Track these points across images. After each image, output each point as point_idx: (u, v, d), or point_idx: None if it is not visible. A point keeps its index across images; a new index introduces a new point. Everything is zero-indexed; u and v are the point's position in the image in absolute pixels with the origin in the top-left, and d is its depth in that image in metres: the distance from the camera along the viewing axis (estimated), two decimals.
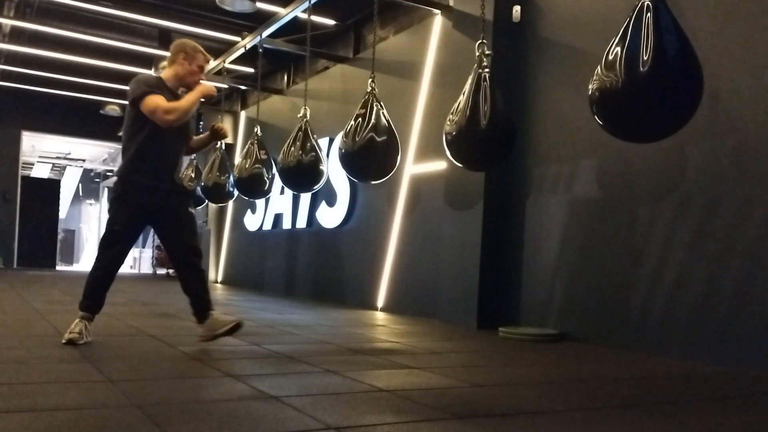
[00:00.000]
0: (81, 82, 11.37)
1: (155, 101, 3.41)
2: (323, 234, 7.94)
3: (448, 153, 4.10)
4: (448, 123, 4.02)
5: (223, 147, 7.37)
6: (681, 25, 2.78)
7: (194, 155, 8.40)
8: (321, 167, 5.26)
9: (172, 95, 3.60)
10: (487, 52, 3.98)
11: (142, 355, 3.32)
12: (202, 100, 3.67)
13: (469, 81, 3.99)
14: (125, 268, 20.28)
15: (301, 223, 8.41)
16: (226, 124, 10.63)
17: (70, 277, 12.22)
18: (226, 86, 9.45)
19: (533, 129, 5.06)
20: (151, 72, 9.76)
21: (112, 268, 3.62)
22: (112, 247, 3.59)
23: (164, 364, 3.11)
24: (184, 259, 3.69)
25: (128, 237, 3.66)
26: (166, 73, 3.68)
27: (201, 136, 4.10)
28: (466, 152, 4.08)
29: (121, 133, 3.64)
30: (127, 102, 3.58)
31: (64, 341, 3.46)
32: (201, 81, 3.71)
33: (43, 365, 2.92)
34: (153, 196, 3.59)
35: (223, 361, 3.24)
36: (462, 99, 3.98)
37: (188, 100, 3.53)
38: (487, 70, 3.97)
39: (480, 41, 4.00)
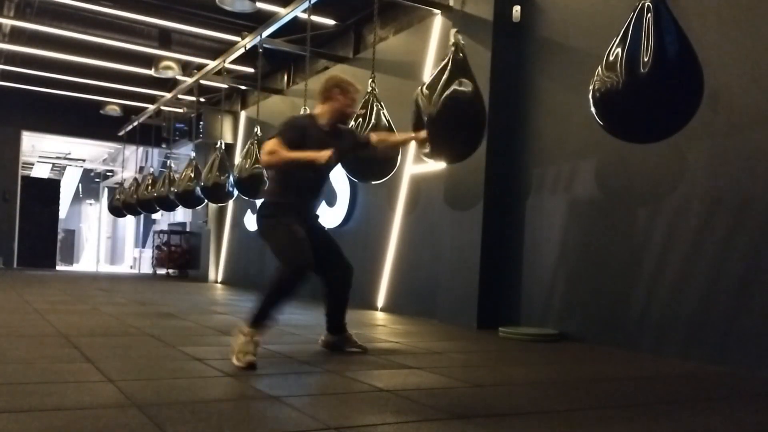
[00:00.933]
0: (81, 82, 11.36)
1: (272, 142, 3.42)
2: None
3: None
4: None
5: (223, 147, 7.37)
6: (681, 26, 2.78)
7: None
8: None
9: (321, 132, 3.59)
10: (462, 42, 4.02)
11: (142, 355, 3.32)
12: (306, 160, 3.47)
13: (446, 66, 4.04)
14: (125, 268, 20.36)
15: None
16: (226, 124, 10.64)
17: (70, 277, 12.22)
18: (226, 86, 9.45)
19: (533, 129, 5.06)
20: (178, 73, 9.74)
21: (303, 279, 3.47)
22: (305, 249, 3.45)
23: (164, 364, 3.11)
24: (339, 274, 3.75)
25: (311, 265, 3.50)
26: (318, 109, 3.71)
27: (399, 136, 4.11)
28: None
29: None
30: None
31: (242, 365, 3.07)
32: (353, 112, 3.85)
33: (43, 365, 2.92)
34: (303, 215, 3.62)
35: (223, 361, 3.23)
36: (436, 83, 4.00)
37: (292, 156, 3.39)
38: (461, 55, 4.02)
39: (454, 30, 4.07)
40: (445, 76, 4.06)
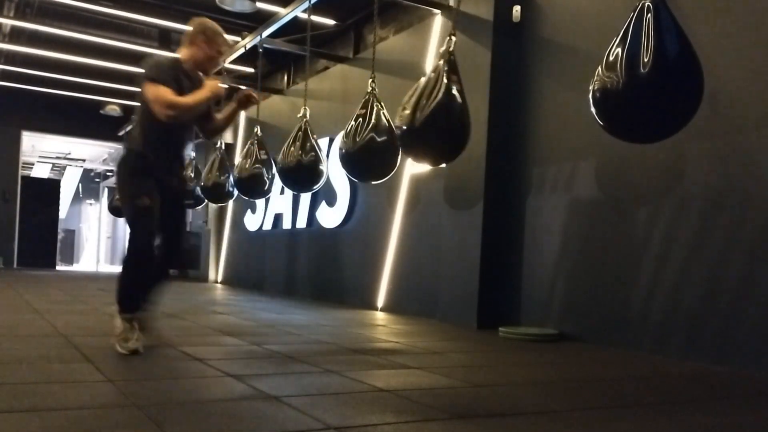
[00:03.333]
0: (81, 82, 11.36)
1: (158, 91, 3.18)
2: (323, 234, 7.94)
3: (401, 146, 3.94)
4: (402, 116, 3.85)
5: (223, 147, 7.37)
6: (681, 26, 2.78)
7: (193, 155, 8.42)
8: (321, 167, 5.26)
9: (187, 78, 3.40)
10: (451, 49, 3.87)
11: (142, 355, 3.32)
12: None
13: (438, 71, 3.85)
14: None
15: (301, 223, 8.41)
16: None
17: (70, 277, 12.22)
18: (226, 86, 9.44)
19: (533, 129, 5.06)
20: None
21: (151, 253, 3.28)
22: (149, 225, 3.25)
23: (164, 364, 3.11)
24: (162, 258, 3.50)
25: (156, 210, 3.30)
26: (183, 53, 3.46)
27: (226, 110, 3.76)
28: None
29: (128, 128, 3.53)
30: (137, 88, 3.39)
31: (125, 352, 3.13)
32: (212, 67, 3.51)
33: (43, 365, 2.92)
34: (170, 177, 3.38)
35: (223, 361, 3.24)
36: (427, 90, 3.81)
37: (195, 98, 3.30)
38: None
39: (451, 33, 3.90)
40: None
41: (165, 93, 3.19)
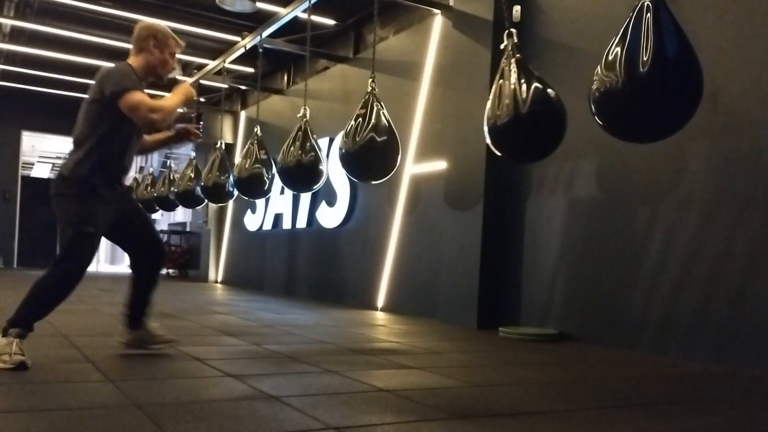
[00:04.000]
0: (81, 82, 11.35)
1: (140, 98, 3.03)
2: (323, 234, 7.94)
3: (492, 143, 3.81)
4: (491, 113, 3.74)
5: (223, 147, 7.37)
6: (681, 25, 2.78)
7: (194, 154, 8.42)
8: (321, 167, 5.26)
9: (142, 87, 3.21)
10: (515, 41, 3.83)
11: (142, 355, 3.32)
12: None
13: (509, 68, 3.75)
14: (125, 268, 20.30)
15: (301, 223, 8.41)
16: (226, 124, 10.64)
17: None
18: (226, 86, 9.45)
19: None
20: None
21: (79, 278, 3.09)
22: (84, 254, 3.09)
23: (164, 364, 3.11)
24: (151, 254, 3.42)
25: (99, 239, 3.18)
26: (134, 61, 3.25)
27: (159, 135, 3.56)
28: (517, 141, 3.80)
29: (78, 128, 3.12)
30: (92, 93, 3.12)
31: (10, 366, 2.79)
32: (175, 75, 3.34)
33: (43, 365, 2.92)
34: (116, 196, 3.19)
35: (223, 361, 3.24)
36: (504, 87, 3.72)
37: (173, 102, 3.15)
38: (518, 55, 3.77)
39: (507, 30, 3.81)
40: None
41: (145, 98, 3.05)
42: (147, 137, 3.55)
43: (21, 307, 2.95)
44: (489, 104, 3.76)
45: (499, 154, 3.86)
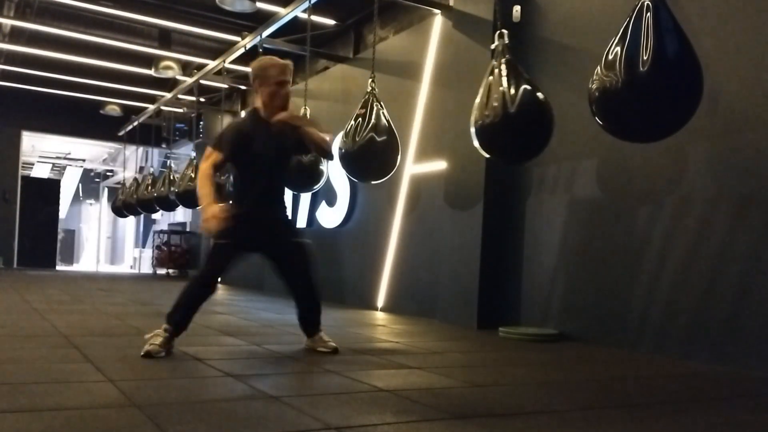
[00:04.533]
0: (81, 82, 11.36)
1: (205, 162, 3.39)
2: (323, 234, 7.94)
3: (479, 145, 3.86)
4: (478, 115, 3.80)
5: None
6: (681, 25, 2.78)
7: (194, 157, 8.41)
8: (321, 167, 5.26)
9: (265, 127, 3.41)
10: (506, 41, 3.85)
11: (141, 356, 3.32)
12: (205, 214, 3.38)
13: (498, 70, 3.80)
14: (125, 268, 20.36)
15: (301, 223, 8.40)
16: (226, 124, 10.64)
17: (70, 277, 12.22)
18: (226, 86, 9.45)
19: None
20: (178, 73, 9.63)
21: (210, 284, 3.57)
22: (215, 263, 3.57)
23: (164, 364, 3.11)
24: (305, 299, 3.81)
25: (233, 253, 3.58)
26: (256, 102, 3.54)
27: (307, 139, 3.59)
28: (503, 142, 3.88)
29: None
30: None
31: (142, 353, 3.19)
32: (280, 105, 3.43)
33: (43, 365, 2.92)
34: (258, 225, 3.52)
35: (223, 361, 3.24)
36: (491, 89, 3.76)
37: (204, 193, 3.33)
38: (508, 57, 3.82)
39: (499, 31, 3.86)
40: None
41: (205, 166, 3.36)
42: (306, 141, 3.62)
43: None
44: (476, 105, 3.78)
45: (486, 155, 3.89)
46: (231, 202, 3.52)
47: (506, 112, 3.64)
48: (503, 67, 3.74)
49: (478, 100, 3.80)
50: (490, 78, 3.78)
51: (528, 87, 3.67)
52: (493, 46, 3.84)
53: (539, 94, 3.72)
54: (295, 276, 3.69)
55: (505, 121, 3.67)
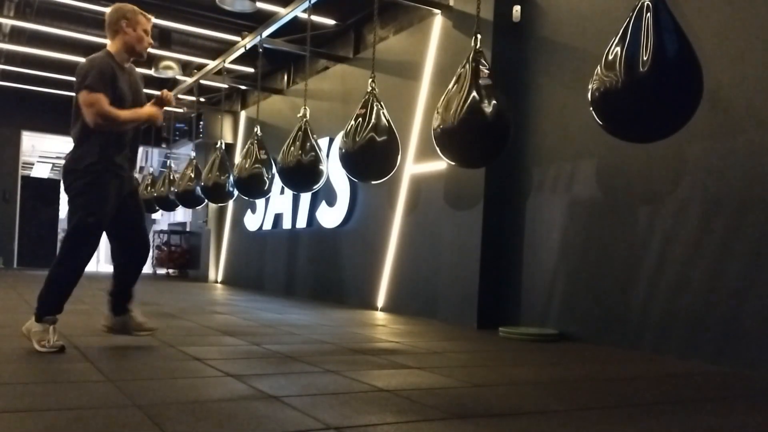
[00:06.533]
0: None
1: (95, 98, 3.19)
2: (323, 234, 7.94)
3: (439, 149, 3.93)
4: (438, 118, 3.85)
5: (223, 147, 7.38)
6: (681, 25, 2.78)
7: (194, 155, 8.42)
8: (321, 167, 5.26)
9: (122, 72, 3.37)
10: (478, 47, 3.86)
11: (142, 355, 3.32)
12: (147, 123, 3.44)
13: (465, 73, 3.81)
14: None
15: (301, 223, 8.41)
16: (226, 124, 10.64)
17: None
18: (226, 86, 9.45)
19: (533, 129, 5.06)
20: (177, 72, 9.65)
21: (83, 267, 3.33)
22: (87, 243, 3.29)
23: (164, 364, 3.11)
24: (138, 252, 3.54)
25: (102, 229, 3.35)
26: (112, 46, 3.40)
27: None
28: (462, 147, 3.93)
29: (72, 120, 3.33)
30: (75, 86, 3.33)
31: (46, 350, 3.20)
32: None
33: (43, 365, 2.92)
34: (122, 181, 3.37)
35: (223, 361, 3.24)
36: (457, 91, 3.79)
37: (130, 115, 3.30)
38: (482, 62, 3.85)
39: (475, 35, 3.88)
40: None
41: (101, 101, 3.20)
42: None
43: (41, 297, 3.26)
44: (439, 108, 3.81)
45: (444, 159, 3.95)
46: (87, 152, 3.28)
47: (453, 119, 3.72)
48: (468, 72, 3.78)
49: (439, 106, 3.85)
50: (454, 81, 3.82)
51: (476, 96, 3.68)
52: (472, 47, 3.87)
53: (493, 101, 3.71)
54: (128, 230, 3.49)
55: (450, 128, 3.76)
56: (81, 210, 3.25)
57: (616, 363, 3.70)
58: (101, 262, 21.77)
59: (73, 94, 3.37)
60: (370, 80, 4.64)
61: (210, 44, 9.62)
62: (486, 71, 3.76)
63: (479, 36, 3.83)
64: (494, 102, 3.71)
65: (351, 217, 7.39)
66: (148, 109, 3.41)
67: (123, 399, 2.31)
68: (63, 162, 3.47)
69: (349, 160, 4.64)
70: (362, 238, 7.12)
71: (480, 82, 3.70)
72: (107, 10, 3.51)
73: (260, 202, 9.50)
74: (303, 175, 5.28)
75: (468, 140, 3.83)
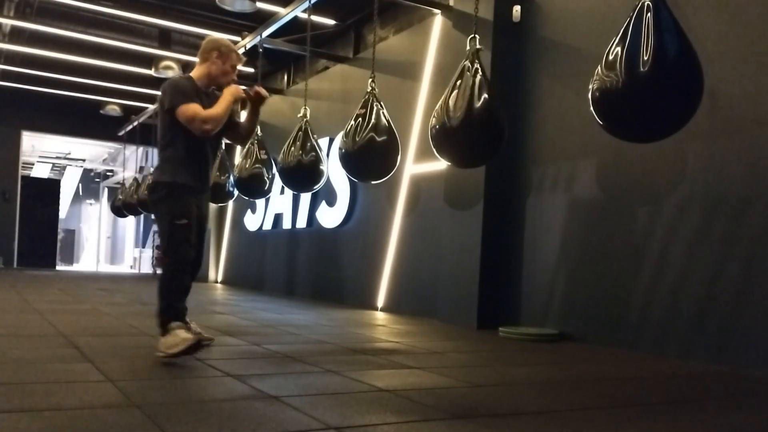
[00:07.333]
0: (81, 82, 11.36)
1: (193, 110, 3.30)
2: (323, 234, 7.94)
3: (435, 149, 3.94)
4: (436, 118, 3.87)
5: (224, 147, 7.37)
6: (681, 25, 2.78)
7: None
8: (321, 167, 5.26)
9: (205, 96, 3.47)
10: (478, 47, 3.88)
11: (142, 355, 3.32)
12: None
13: (461, 74, 3.84)
14: (125, 268, 20.36)
15: (301, 223, 8.41)
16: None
17: (70, 277, 12.22)
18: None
19: (533, 129, 5.06)
20: (178, 73, 9.69)
21: (187, 263, 3.40)
22: (185, 242, 3.35)
23: (164, 364, 3.11)
24: (192, 268, 3.59)
25: (193, 228, 3.41)
26: (196, 71, 3.53)
27: (246, 117, 3.75)
28: (456, 147, 3.95)
29: (158, 138, 3.47)
30: (159, 106, 3.45)
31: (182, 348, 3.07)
32: (227, 83, 3.55)
33: (43, 365, 2.92)
34: (198, 198, 3.50)
35: (223, 361, 3.24)
36: (454, 93, 3.81)
37: (222, 107, 3.39)
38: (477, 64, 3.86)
39: (472, 35, 3.89)
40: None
41: (199, 110, 3.31)
42: (240, 122, 3.80)
43: (160, 313, 3.26)
44: (437, 109, 3.83)
45: (439, 158, 3.97)
46: (170, 169, 3.39)
47: (449, 120, 3.75)
48: (465, 74, 3.79)
49: (438, 107, 3.87)
50: (456, 82, 3.84)
51: (471, 97, 3.71)
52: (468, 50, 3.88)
53: (491, 103, 3.74)
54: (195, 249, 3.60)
55: (444, 129, 3.78)
56: (168, 215, 3.35)
57: (616, 363, 3.70)
58: (101, 262, 21.80)
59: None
60: (370, 80, 4.64)
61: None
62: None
63: (477, 37, 3.83)
64: (489, 103, 3.72)
65: (351, 217, 7.40)
66: (226, 92, 3.46)
67: (123, 399, 2.31)
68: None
69: (349, 160, 4.64)
70: (362, 238, 7.12)
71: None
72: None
73: (260, 202, 9.50)
74: (303, 175, 5.28)
75: (463, 141, 3.84)
